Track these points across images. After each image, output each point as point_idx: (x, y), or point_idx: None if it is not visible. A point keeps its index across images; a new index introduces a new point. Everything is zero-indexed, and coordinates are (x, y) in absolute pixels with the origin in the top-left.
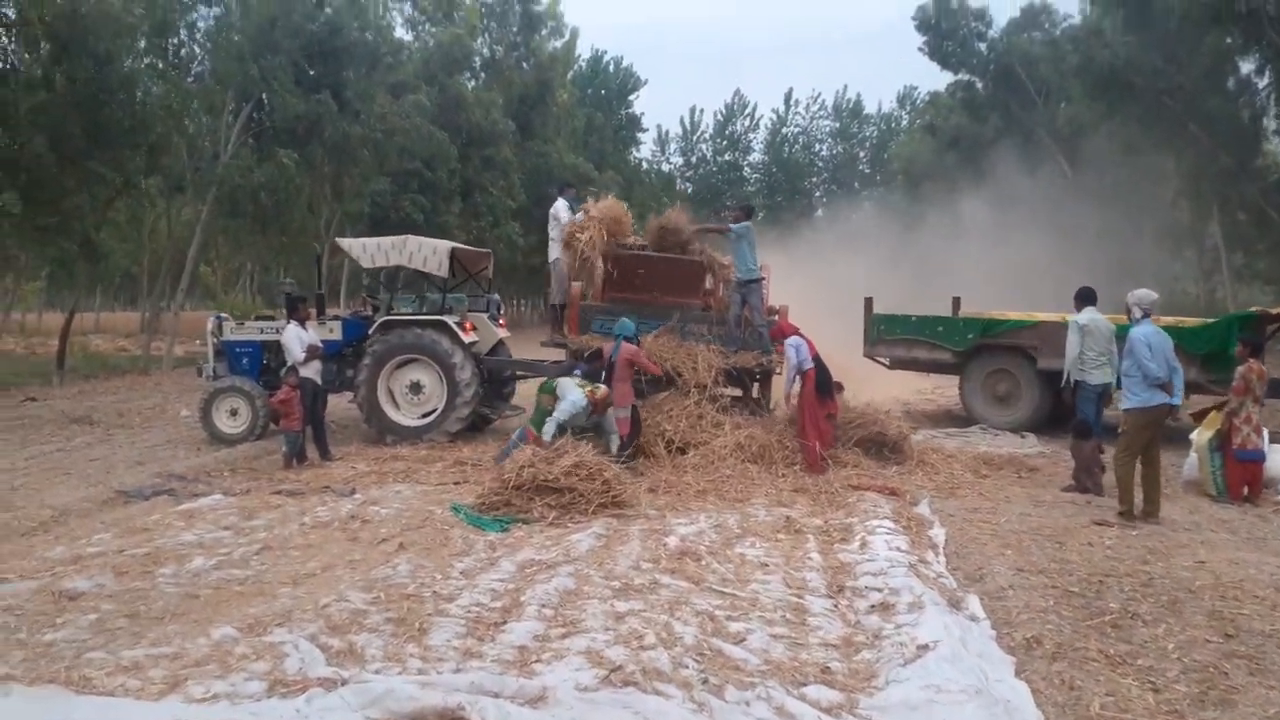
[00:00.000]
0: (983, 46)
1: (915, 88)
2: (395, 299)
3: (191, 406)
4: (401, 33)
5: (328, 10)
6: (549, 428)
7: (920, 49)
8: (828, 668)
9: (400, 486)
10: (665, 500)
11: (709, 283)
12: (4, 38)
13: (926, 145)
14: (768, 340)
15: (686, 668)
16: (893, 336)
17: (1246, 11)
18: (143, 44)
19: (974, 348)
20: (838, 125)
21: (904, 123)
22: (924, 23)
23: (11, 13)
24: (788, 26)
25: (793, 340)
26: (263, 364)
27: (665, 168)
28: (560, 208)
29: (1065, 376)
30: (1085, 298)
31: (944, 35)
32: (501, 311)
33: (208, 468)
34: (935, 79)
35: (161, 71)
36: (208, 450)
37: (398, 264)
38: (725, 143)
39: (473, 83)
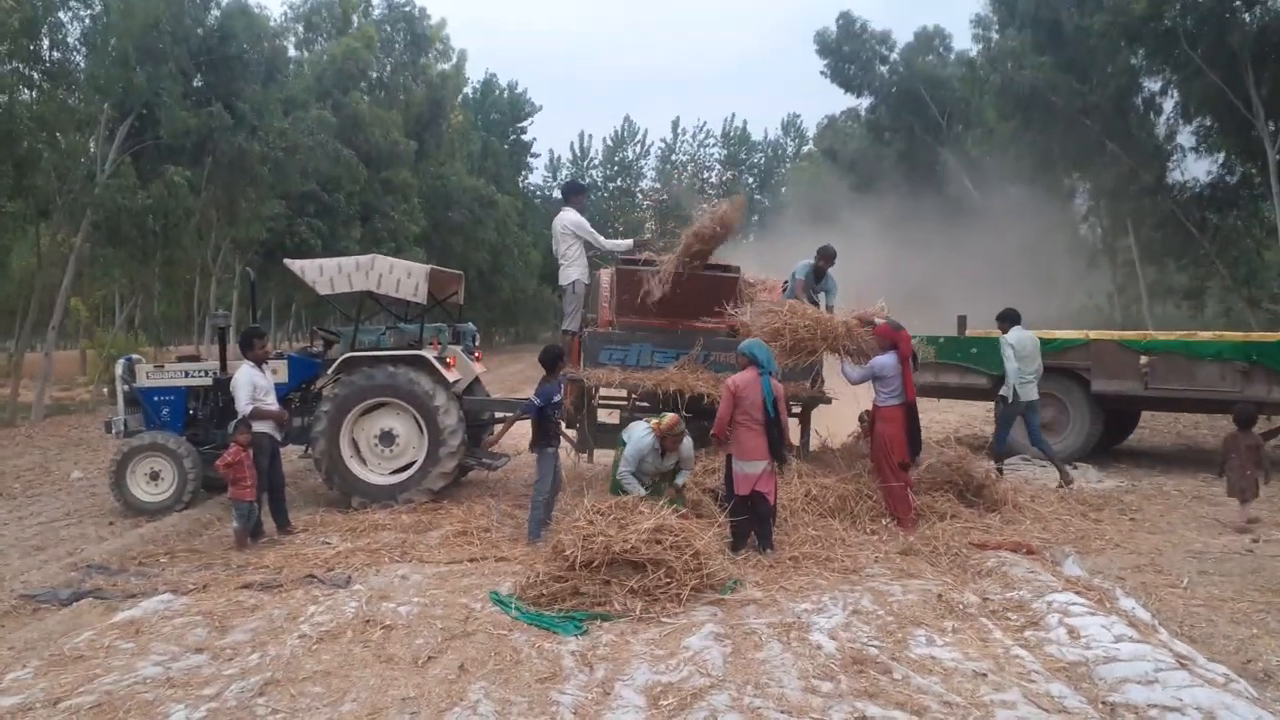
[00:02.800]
0: (884, 70)
1: (799, 115)
2: (359, 331)
3: (83, 466)
4: (295, 53)
5: (215, 13)
6: (626, 479)
7: (821, 72)
8: None
9: (403, 568)
10: (757, 573)
11: (736, 303)
12: None
13: (824, 169)
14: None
15: None
16: (920, 360)
17: (1163, 30)
18: (6, 46)
19: None
20: (725, 152)
21: (789, 149)
22: (825, 46)
23: None
24: (675, 57)
25: (884, 360)
26: (187, 414)
27: (556, 194)
28: (568, 219)
29: (1012, 392)
30: (1010, 318)
31: (845, 58)
32: (477, 342)
33: (133, 551)
34: (823, 105)
35: (28, 78)
36: (124, 525)
37: (363, 289)
38: (616, 169)
39: (367, 99)
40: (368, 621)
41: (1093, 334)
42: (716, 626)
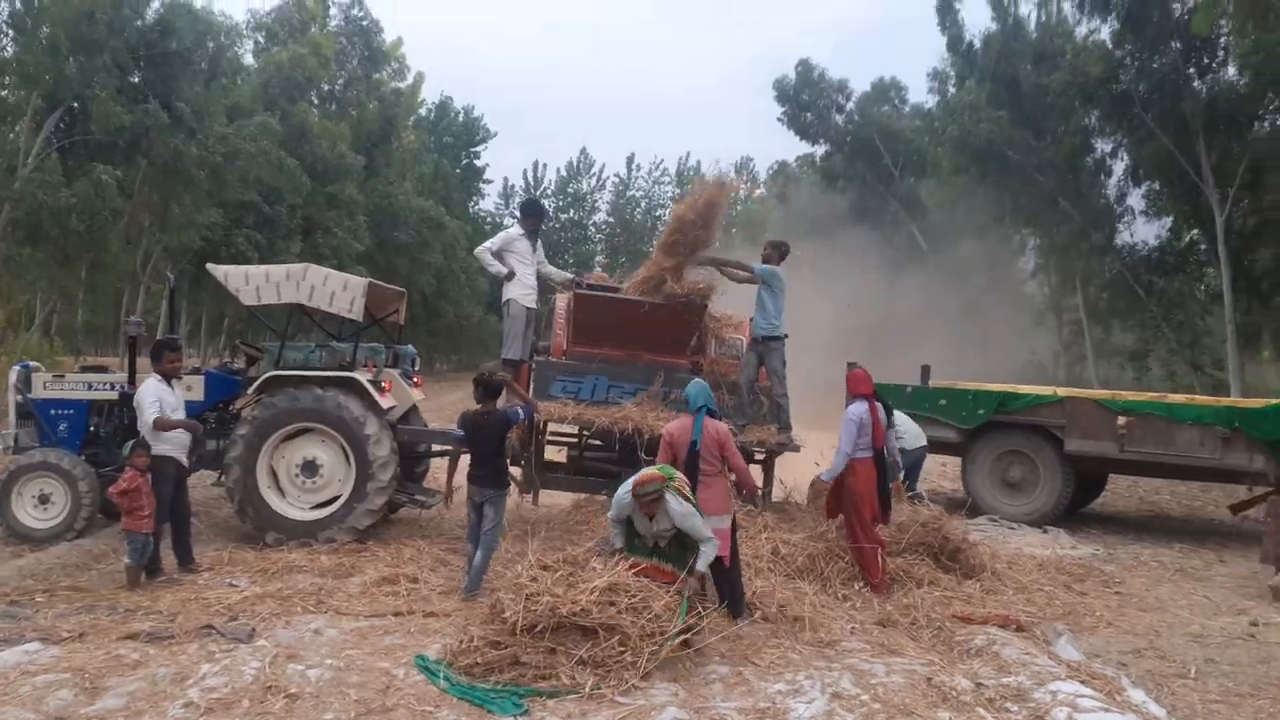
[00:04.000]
0: (839, 118)
1: (751, 158)
2: (285, 348)
3: None
4: (251, 60)
5: (156, 7)
6: (610, 526)
7: (779, 119)
8: None
9: (316, 620)
10: (722, 642)
11: (700, 339)
12: None
13: (774, 214)
14: (787, 414)
15: None
16: None
17: (1118, 93)
18: None
19: (984, 425)
20: (679, 191)
21: (742, 192)
22: (783, 93)
23: None
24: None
25: (855, 409)
26: (88, 431)
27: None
28: (512, 236)
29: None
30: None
31: (802, 106)
32: (416, 366)
33: (7, 585)
34: (773, 148)
35: None
36: (4, 554)
37: (293, 301)
38: (569, 200)
39: (316, 110)
40: (269, 688)
41: (1064, 391)
42: (679, 711)
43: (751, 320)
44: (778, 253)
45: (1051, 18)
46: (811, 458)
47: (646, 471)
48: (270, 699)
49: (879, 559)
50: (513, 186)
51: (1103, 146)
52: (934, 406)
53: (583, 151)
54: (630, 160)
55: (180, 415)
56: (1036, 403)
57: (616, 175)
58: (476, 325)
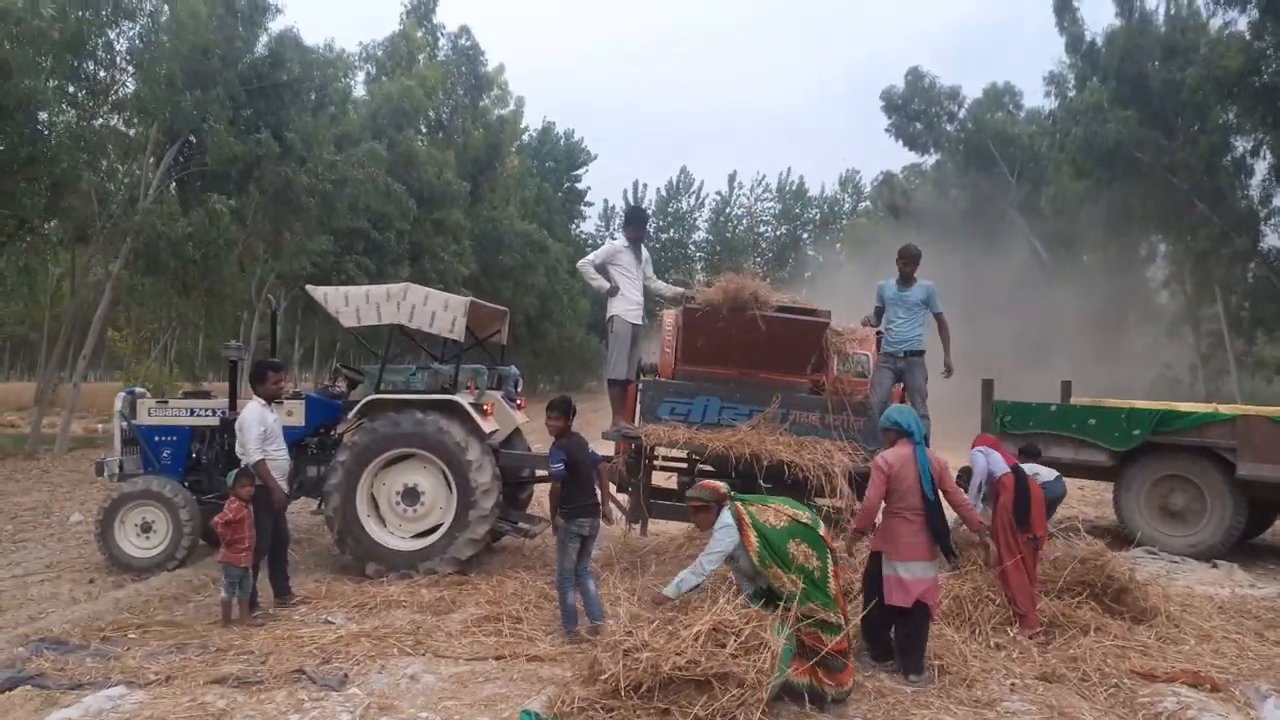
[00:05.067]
0: (950, 127)
1: (858, 171)
2: (386, 370)
3: (86, 509)
4: (361, 92)
5: (266, 37)
6: (683, 580)
7: (886, 130)
8: None
9: (413, 664)
10: (861, 700)
11: (821, 355)
12: None
13: (885, 226)
14: (927, 435)
15: None
16: (1022, 430)
17: (1260, 87)
18: (49, 61)
19: (1139, 447)
20: (781, 207)
21: (846, 205)
22: (890, 104)
23: None
24: (728, 113)
25: (979, 459)
26: (190, 457)
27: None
28: (616, 248)
29: None
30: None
31: (911, 116)
32: (520, 388)
33: (103, 619)
34: (875, 162)
35: (71, 96)
36: (105, 584)
37: (393, 321)
38: (669, 220)
39: (424, 138)
40: None
41: (1238, 409)
42: None
43: (880, 334)
44: (910, 262)
45: (1181, 10)
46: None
47: (708, 481)
48: None
49: (1028, 585)
50: (613, 207)
51: (1243, 145)
52: (1082, 426)
53: (682, 170)
54: (732, 178)
55: (279, 442)
56: (1203, 422)
57: (718, 193)
58: (578, 346)
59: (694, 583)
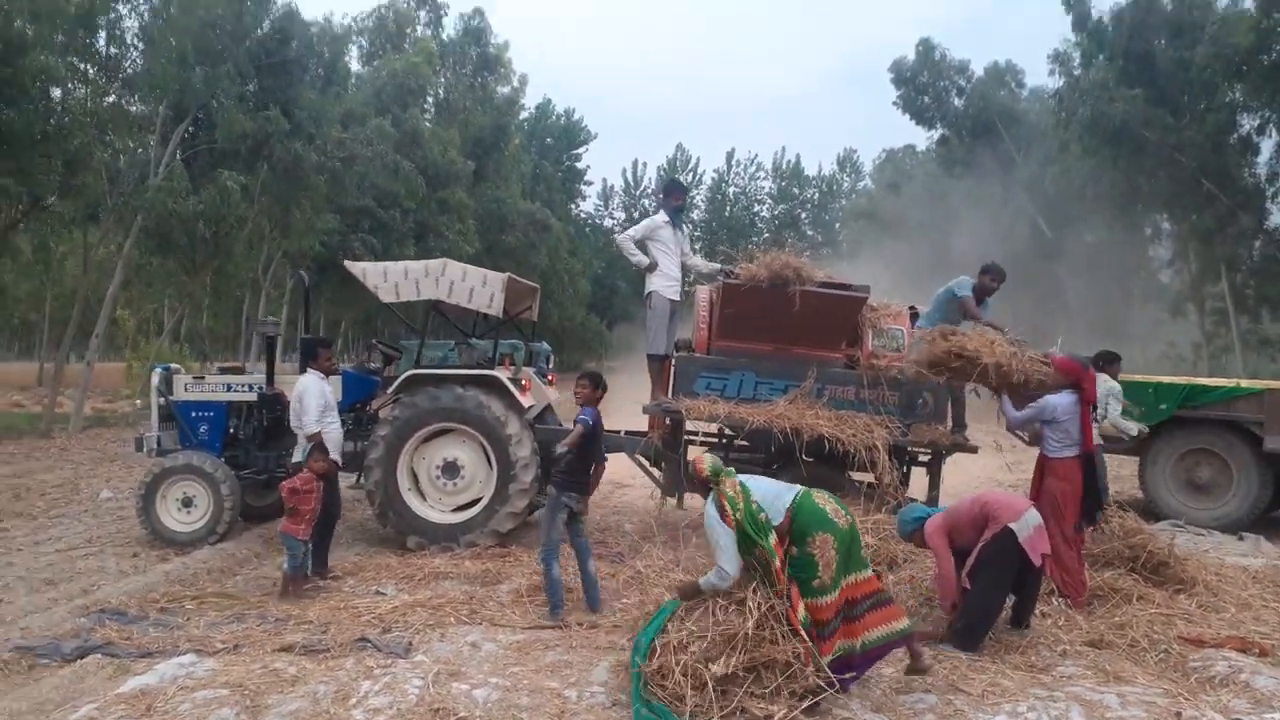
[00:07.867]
0: (959, 101)
1: (855, 150)
2: (424, 346)
3: (114, 485)
4: (357, 67)
5: (275, 11)
6: (710, 585)
7: (894, 103)
8: None
9: (472, 632)
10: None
11: (856, 330)
12: None
13: (887, 203)
14: (964, 409)
15: None
16: None
17: (1269, 65)
18: (61, 37)
19: (1166, 421)
20: (778, 186)
21: (844, 185)
22: (900, 75)
23: None
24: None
25: (1059, 401)
26: (228, 433)
27: (608, 222)
28: (657, 223)
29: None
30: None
31: (919, 89)
32: (551, 364)
33: (156, 591)
34: (871, 144)
35: (83, 73)
36: (150, 558)
37: (431, 297)
38: None
39: (430, 114)
40: (436, 710)
41: (1265, 382)
42: None
43: (915, 310)
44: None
45: None
46: (983, 460)
47: (698, 456)
48: None
49: (1082, 570)
50: (612, 187)
51: (1250, 123)
52: None
53: (679, 148)
54: (730, 155)
55: (335, 412)
56: (1231, 395)
57: (716, 171)
58: (579, 327)
59: (723, 588)
